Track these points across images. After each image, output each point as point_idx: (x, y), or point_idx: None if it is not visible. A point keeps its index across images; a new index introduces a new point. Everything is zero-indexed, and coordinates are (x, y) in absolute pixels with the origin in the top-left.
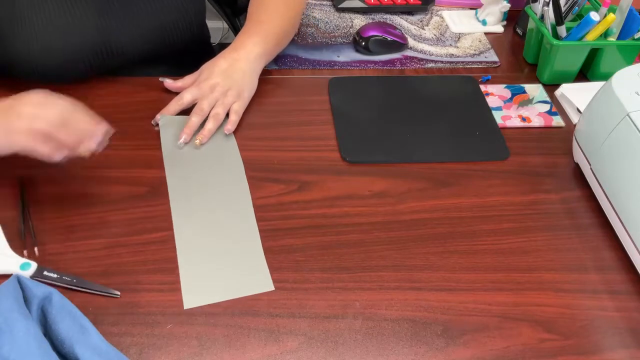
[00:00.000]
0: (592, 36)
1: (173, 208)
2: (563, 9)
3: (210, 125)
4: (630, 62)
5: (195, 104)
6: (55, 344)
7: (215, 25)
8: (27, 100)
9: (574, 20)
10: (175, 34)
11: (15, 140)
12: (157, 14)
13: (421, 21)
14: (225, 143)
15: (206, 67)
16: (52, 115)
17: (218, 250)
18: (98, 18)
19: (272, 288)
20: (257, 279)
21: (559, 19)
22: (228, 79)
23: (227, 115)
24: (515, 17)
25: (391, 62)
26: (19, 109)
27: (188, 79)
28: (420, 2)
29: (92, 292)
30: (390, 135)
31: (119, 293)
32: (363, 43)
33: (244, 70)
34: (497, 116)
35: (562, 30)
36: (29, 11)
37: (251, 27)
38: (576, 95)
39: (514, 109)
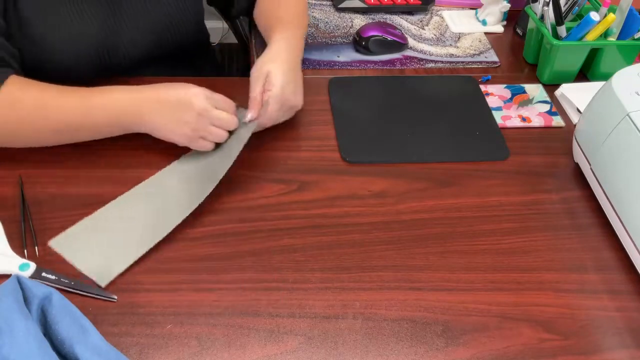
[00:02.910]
0: (592, 36)
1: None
2: (563, 9)
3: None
4: (630, 62)
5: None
6: (55, 344)
7: (216, 25)
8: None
9: (574, 20)
10: (175, 34)
11: (175, 140)
12: (158, 16)
13: (421, 21)
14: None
15: (285, 83)
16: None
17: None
18: (104, 22)
19: (102, 285)
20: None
21: (559, 19)
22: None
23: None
24: (515, 17)
25: (391, 62)
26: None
27: (257, 87)
28: (420, 2)
29: (90, 295)
30: (390, 135)
31: (116, 297)
32: (363, 43)
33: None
34: (497, 116)
35: (562, 30)
36: (39, 16)
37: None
38: (576, 95)
39: (514, 109)
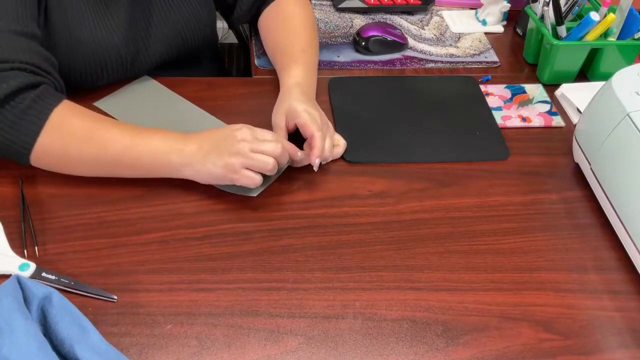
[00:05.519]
0: (592, 36)
1: None
2: (563, 9)
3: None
4: (630, 62)
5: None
6: (55, 344)
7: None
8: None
9: (574, 20)
10: (189, 36)
11: (219, 175)
12: (174, 20)
13: (421, 21)
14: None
15: (311, 122)
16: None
17: None
18: (128, 28)
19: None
20: None
21: (559, 19)
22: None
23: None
24: (515, 17)
25: (391, 62)
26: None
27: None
28: (420, 2)
29: (90, 295)
30: (390, 135)
31: (116, 298)
32: (363, 43)
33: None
34: (497, 116)
35: (562, 30)
36: (65, 21)
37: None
38: (576, 95)
39: (514, 109)
